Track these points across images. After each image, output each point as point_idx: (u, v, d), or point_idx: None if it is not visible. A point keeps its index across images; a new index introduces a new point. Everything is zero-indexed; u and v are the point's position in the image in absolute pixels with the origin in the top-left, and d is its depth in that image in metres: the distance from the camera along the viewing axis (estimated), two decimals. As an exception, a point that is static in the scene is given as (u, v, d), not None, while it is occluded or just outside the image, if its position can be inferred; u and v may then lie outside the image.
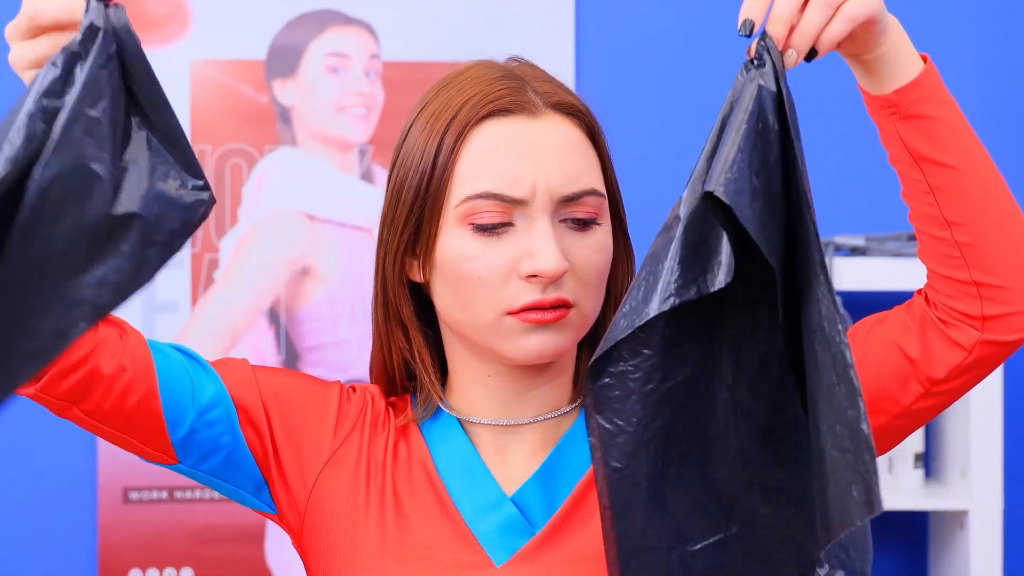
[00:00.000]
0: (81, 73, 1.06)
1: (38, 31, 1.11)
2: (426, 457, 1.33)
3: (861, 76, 1.22)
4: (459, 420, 1.34)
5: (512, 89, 1.27)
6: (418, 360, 1.34)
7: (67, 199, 1.05)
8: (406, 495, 1.31)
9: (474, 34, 2.63)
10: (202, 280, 2.62)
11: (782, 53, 1.15)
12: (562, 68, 2.61)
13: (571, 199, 1.26)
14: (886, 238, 2.48)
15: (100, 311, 1.07)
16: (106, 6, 1.08)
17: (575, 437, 1.33)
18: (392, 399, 1.37)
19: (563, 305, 1.26)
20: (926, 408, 1.26)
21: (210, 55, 2.62)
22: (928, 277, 1.25)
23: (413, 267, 1.31)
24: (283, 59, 2.63)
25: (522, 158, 1.25)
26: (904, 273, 2.43)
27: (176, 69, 2.61)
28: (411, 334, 1.33)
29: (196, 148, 2.61)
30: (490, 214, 1.25)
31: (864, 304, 2.65)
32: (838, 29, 1.15)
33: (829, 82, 2.66)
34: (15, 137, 1.04)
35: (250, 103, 2.63)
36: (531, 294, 1.25)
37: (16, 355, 1.06)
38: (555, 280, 1.25)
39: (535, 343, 1.26)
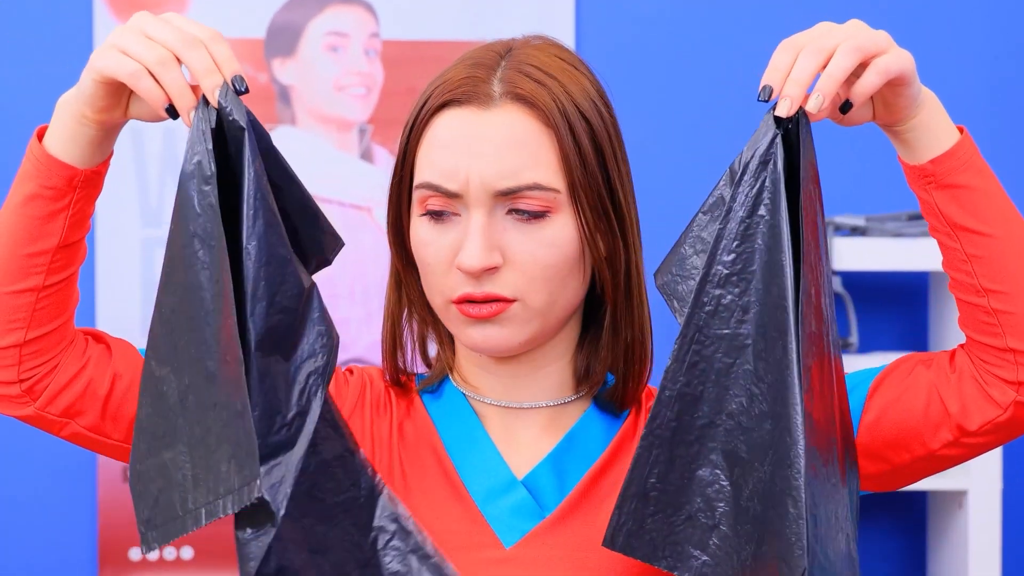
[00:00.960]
0: (248, 170, 1.12)
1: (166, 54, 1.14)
2: (434, 437, 1.33)
3: (899, 148, 1.24)
4: (467, 397, 1.34)
5: (474, 79, 1.27)
6: (432, 333, 1.35)
7: (274, 289, 1.13)
8: (414, 475, 1.32)
9: (474, 13, 2.62)
10: (201, 259, 2.62)
11: (802, 104, 1.17)
12: (562, 47, 2.61)
13: (508, 193, 1.25)
14: (886, 218, 2.47)
15: (325, 376, 1.14)
16: (237, 92, 1.15)
17: (587, 425, 1.34)
18: (393, 385, 1.38)
19: (497, 300, 1.26)
20: (950, 456, 1.26)
21: (209, 34, 2.61)
22: (967, 343, 1.26)
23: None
24: (282, 38, 2.63)
25: (460, 151, 1.25)
26: (904, 253, 2.43)
27: (175, 48, 2.60)
28: (422, 313, 1.34)
29: (195, 127, 2.61)
30: (435, 203, 1.27)
31: (864, 283, 2.65)
32: (872, 81, 1.17)
33: (829, 62, 2.66)
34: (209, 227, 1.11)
35: (249, 82, 2.62)
36: (465, 286, 1.26)
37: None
38: (480, 276, 1.25)
39: (477, 336, 1.27)
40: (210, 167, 1.11)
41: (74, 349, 1.26)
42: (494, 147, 1.25)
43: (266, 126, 2.63)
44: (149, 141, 2.60)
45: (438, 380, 1.36)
